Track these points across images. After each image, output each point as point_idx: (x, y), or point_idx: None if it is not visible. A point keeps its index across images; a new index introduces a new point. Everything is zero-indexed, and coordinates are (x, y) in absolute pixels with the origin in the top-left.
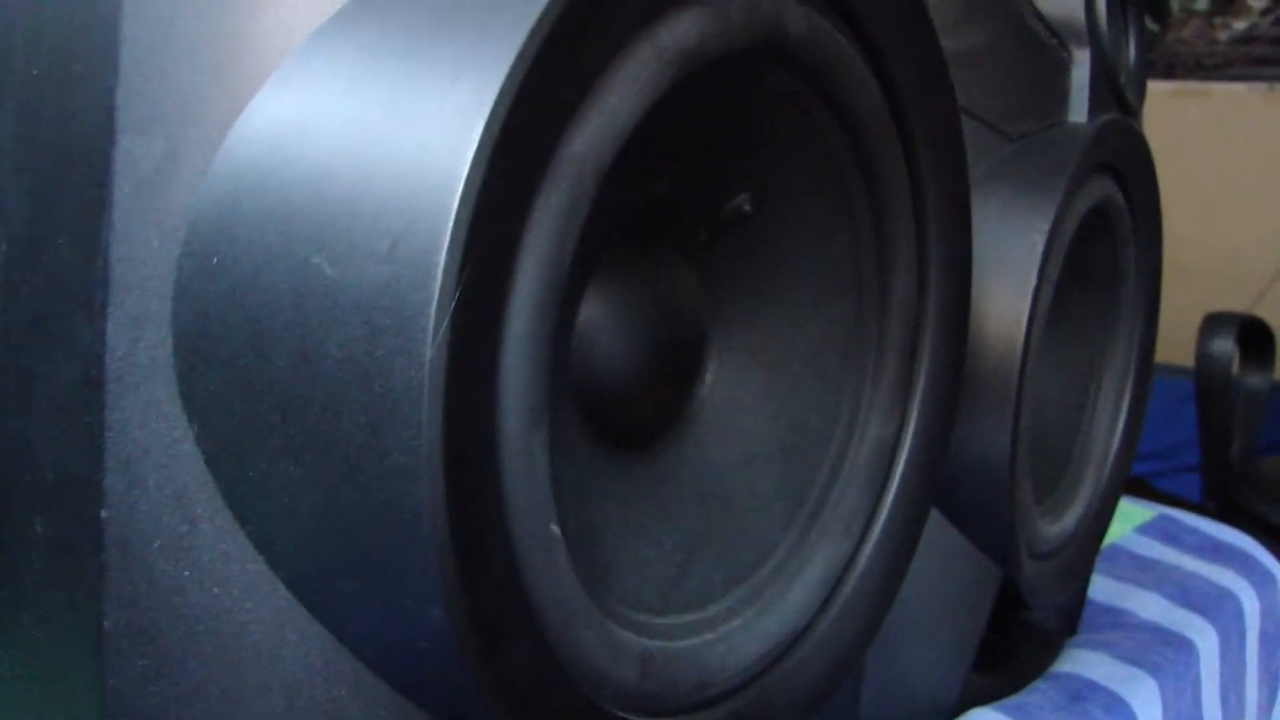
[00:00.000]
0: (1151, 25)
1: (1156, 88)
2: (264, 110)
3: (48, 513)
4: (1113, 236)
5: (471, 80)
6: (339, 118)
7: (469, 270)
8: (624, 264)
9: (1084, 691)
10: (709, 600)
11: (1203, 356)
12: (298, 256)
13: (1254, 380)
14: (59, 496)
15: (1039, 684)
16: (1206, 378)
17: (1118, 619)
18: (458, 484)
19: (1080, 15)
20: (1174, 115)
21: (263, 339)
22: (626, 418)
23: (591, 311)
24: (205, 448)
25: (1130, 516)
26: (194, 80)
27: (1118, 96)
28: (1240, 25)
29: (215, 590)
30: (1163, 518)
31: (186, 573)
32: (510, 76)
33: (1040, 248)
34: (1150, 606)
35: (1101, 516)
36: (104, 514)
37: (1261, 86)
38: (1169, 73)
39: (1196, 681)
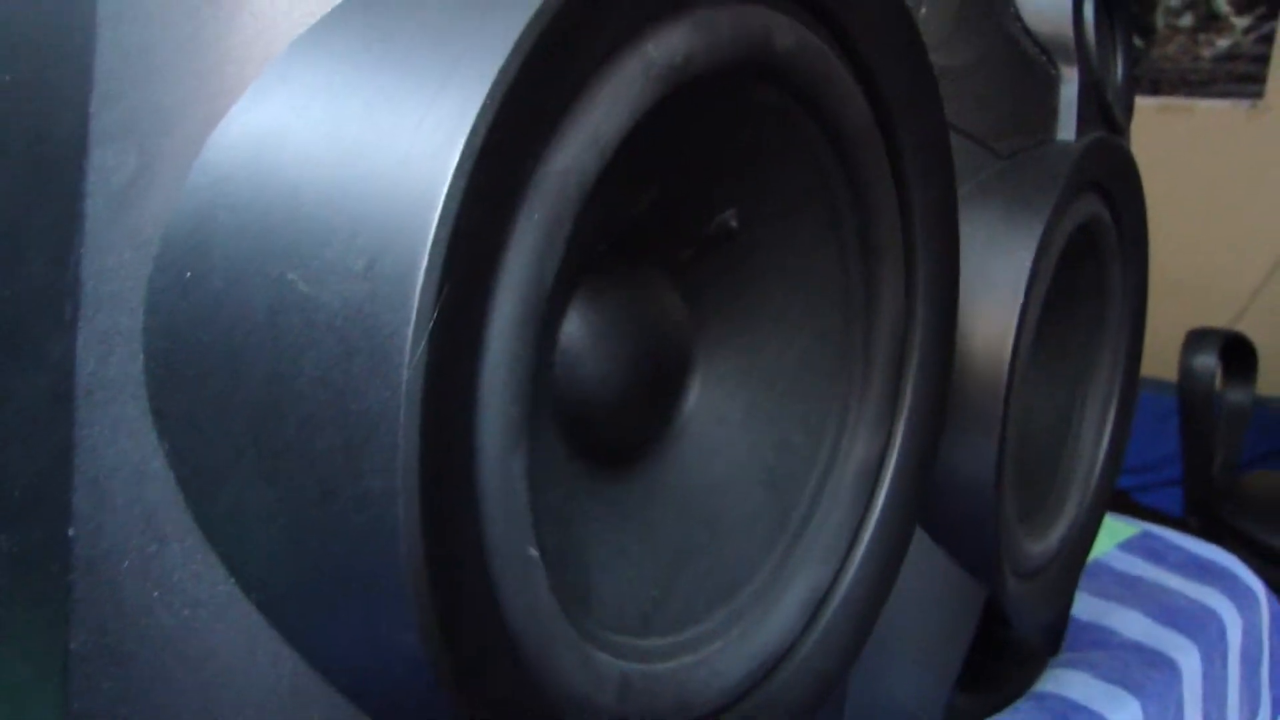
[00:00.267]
0: (1136, 41)
1: (1141, 104)
2: (241, 121)
3: (13, 530)
4: (1099, 254)
5: (453, 94)
6: (317, 130)
7: (447, 289)
8: (608, 281)
9: (1068, 712)
10: (691, 622)
11: (1186, 372)
12: (272, 273)
13: (1236, 396)
14: (25, 514)
15: (1022, 704)
16: (1189, 393)
17: (1101, 637)
18: (434, 508)
19: (1068, 33)
20: (1158, 131)
21: (236, 357)
22: (608, 437)
23: (574, 329)
24: (176, 467)
25: (1113, 533)
26: (170, 90)
27: (1105, 114)
28: (1224, 43)
29: (185, 612)
30: (1146, 534)
31: (155, 593)
32: (493, 91)
33: (1028, 266)
34: (1133, 625)
35: (1086, 534)
36: (71, 532)
37: (1244, 103)
38: (1153, 89)
39: (1179, 702)
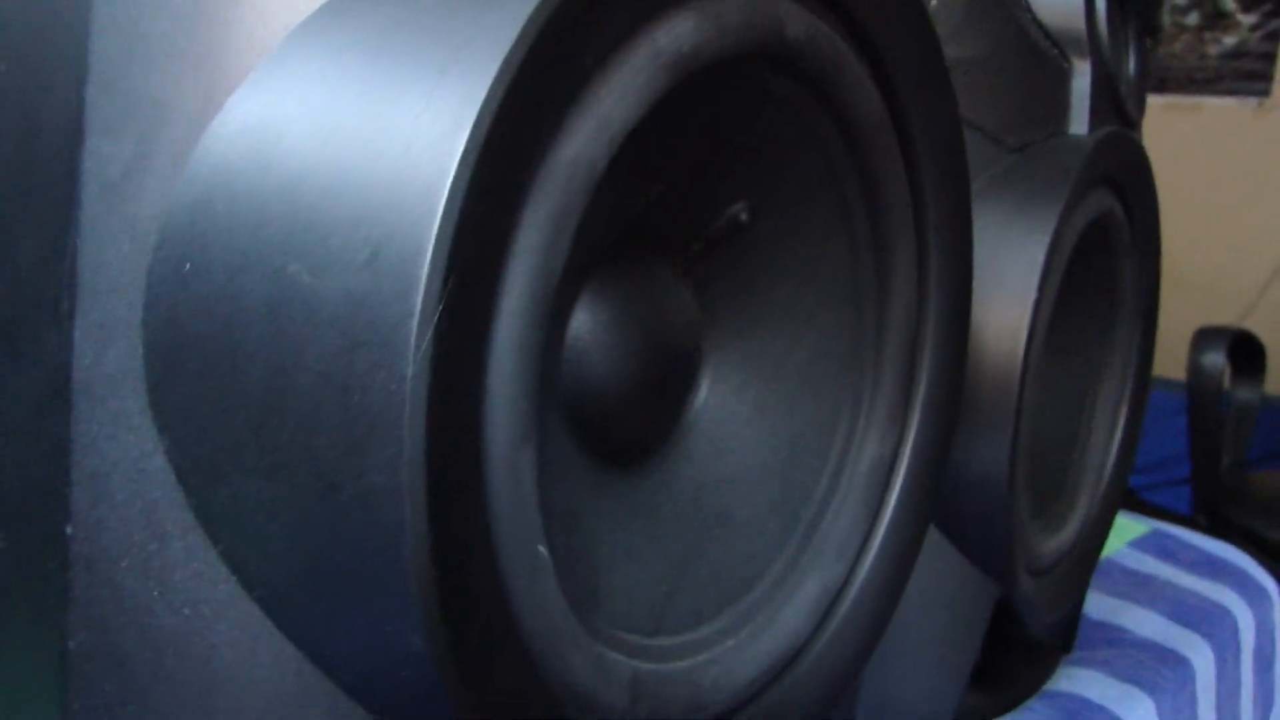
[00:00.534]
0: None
1: (1148, 101)
2: (240, 111)
3: (10, 528)
4: (1111, 249)
5: (458, 81)
6: (317, 119)
7: (453, 280)
8: (616, 274)
9: (1080, 710)
10: (702, 621)
11: (1194, 370)
12: (273, 264)
13: (1245, 394)
14: (22, 511)
15: (1035, 703)
16: (1197, 391)
17: (1113, 636)
18: (440, 505)
19: (1081, 26)
20: (1165, 129)
21: (236, 350)
22: (617, 433)
23: (582, 324)
24: (176, 462)
25: (1124, 531)
26: (167, 79)
27: (1118, 108)
28: (1230, 40)
29: (185, 611)
30: (1157, 533)
31: (155, 592)
32: (499, 78)
33: (1040, 261)
34: (1146, 623)
35: (1098, 531)
36: (70, 530)
37: (1251, 101)
38: (1160, 86)
39: (1193, 700)
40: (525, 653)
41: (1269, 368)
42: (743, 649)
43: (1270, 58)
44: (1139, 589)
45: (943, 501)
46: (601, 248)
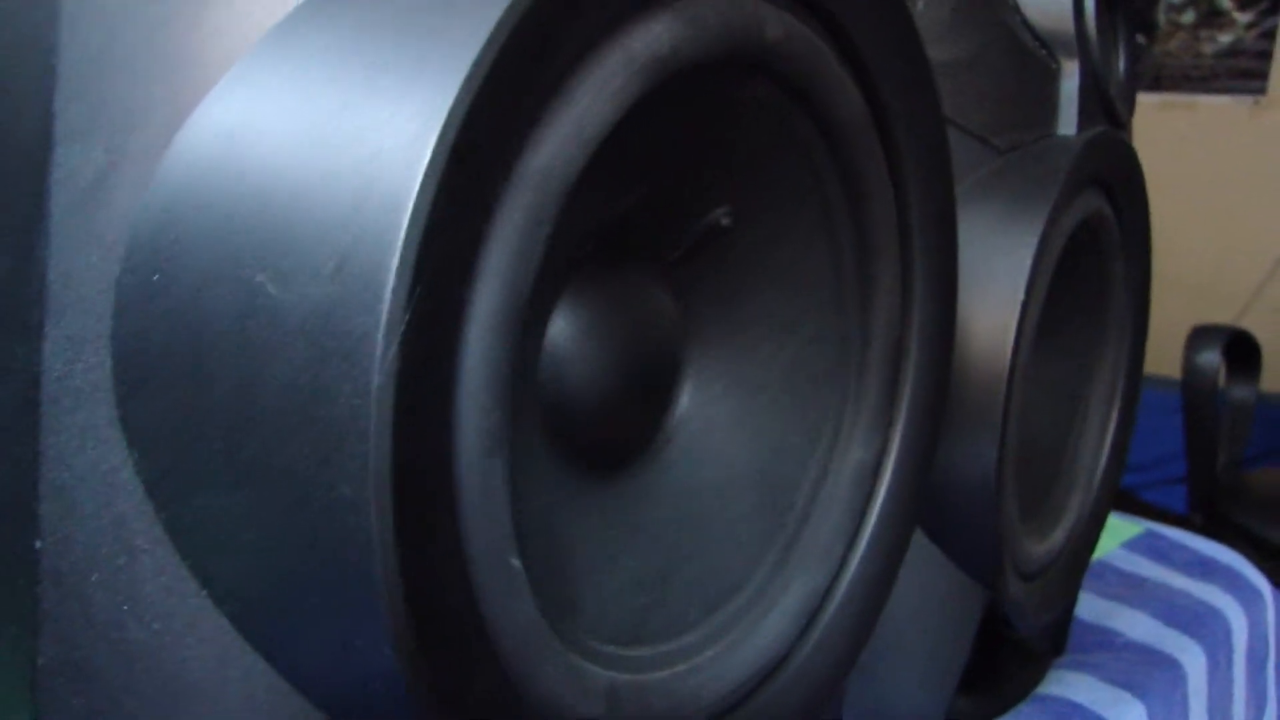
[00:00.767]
0: (1138, 37)
1: (1143, 100)
2: (209, 118)
3: None
4: (1102, 250)
5: (425, 88)
6: (286, 127)
7: (420, 291)
8: (594, 281)
9: (1071, 714)
10: (682, 630)
11: (1189, 369)
12: (241, 275)
13: (1240, 392)
14: None
15: (1025, 707)
16: (1193, 390)
17: (1105, 639)
18: (409, 517)
19: (1069, 26)
20: (1160, 127)
21: (204, 362)
22: (597, 441)
23: (559, 331)
24: (145, 476)
25: (1118, 532)
26: (136, 86)
27: (1107, 108)
28: (1225, 38)
29: (155, 625)
30: (1150, 533)
31: (125, 607)
32: (467, 84)
33: (1028, 263)
34: (1138, 626)
35: (1089, 534)
36: (39, 544)
37: (1247, 99)
38: (1155, 85)
39: (1184, 703)
40: (498, 665)
41: (1265, 366)
42: (724, 658)
43: (1266, 56)
44: (1131, 591)
45: (929, 504)
46: (580, 253)
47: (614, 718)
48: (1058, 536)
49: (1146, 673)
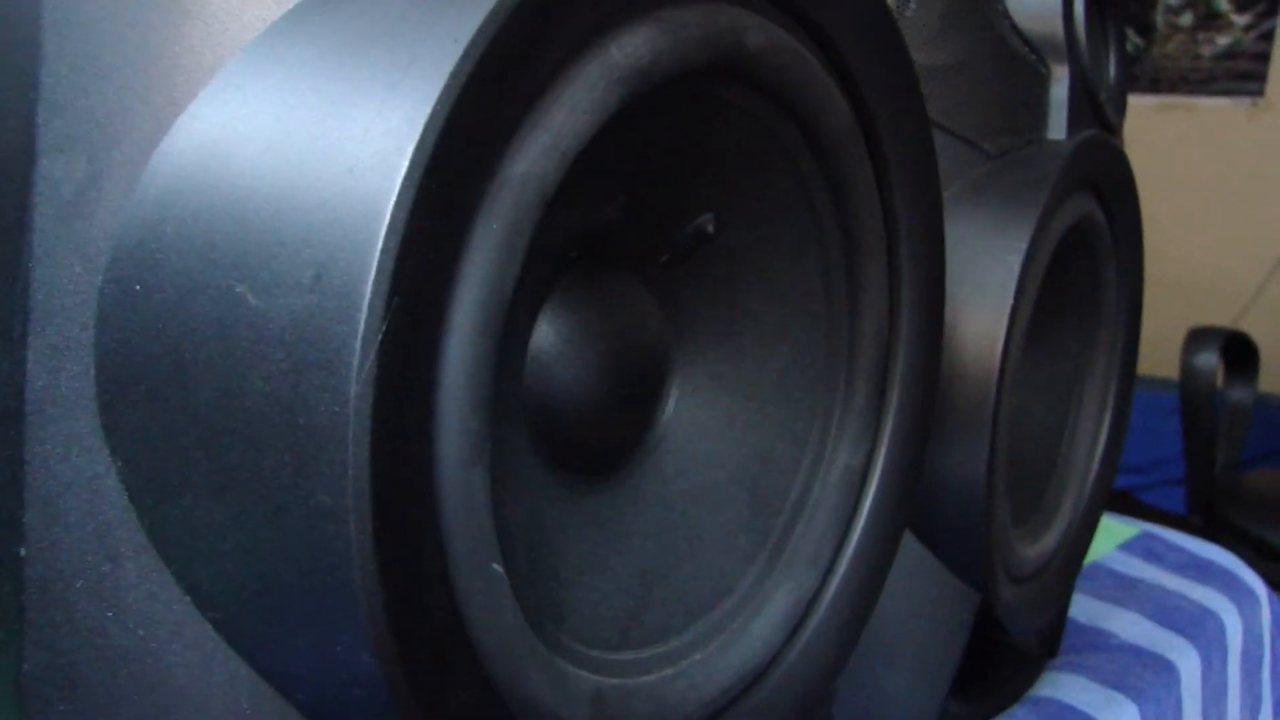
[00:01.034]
0: (1136, 40)
1: (1142, 102)
2: (189, 131)
3: None
4: (1093, 254)
5: (403, 100)
6: (265, 139)
7: (398, 301)
8: (581, 287)
9: (1063, 717)
10: (669, 635)
11: (1187, 370)
12: (222, 285)
13: (1238, 394)
14: None
15: (1018, 709)
16: (1191, 392)
17: (1099, 640)
18: (389, 524)
19: (1059, 31)
20: (1159, 130)
21: (186, 371)
22: (584, 447)
23: (545, 337)
24: (129, 483)
25: (1114, 534)
26: (118, 99)
27: (1097, 113)
28: (1224, 41)
29: (140, 632)
30: (1146, 535)
31: (110, 613)
32: (443, 95)
33: (1017, 267)
34: (1131, 627)
35: (1082, 537)
36: (23, 552)
37: (1245, 101)
38: (1154, 87)
39: (1178, 704)
40: (480, 670)
41: (1263, 368)
42: (711, 662)
43: (1264, 58)
44: (1126, 592)
45: (920, 508)
46: (564, 260)
47: None
48: (1050, 539)
49: (1140, 674)
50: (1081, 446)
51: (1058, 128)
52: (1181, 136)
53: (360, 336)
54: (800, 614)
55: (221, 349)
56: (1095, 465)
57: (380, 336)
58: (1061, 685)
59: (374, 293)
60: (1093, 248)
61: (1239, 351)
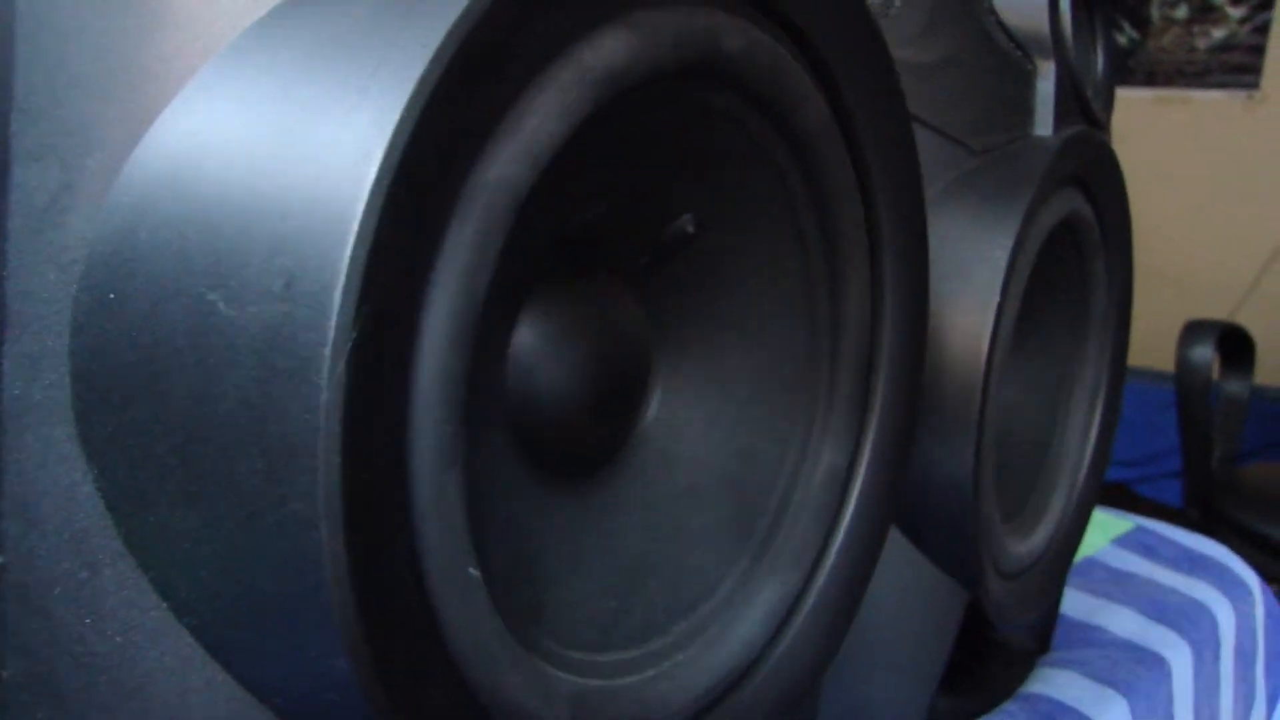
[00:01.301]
0: (1131, 33)
1: (1136, 96)
2: (163, 138)
3: None
4: (1081, 249)
5: (372, 105)
6: (237, 147)
7: (369, 308)
8: (560, 289)
9: (1054, 713)
10: (651, 635)
11: (1182, 364)
12: (194, 293)
13: (1234, 387)
14: None
15: (1008, 705)
16: (1186, 385)
17: (1090, 636)
18: (362, 530)
19: (1045, 28)
20: (1154, 123)
21: (160, 379)
22: (566, 448)
23: (526, 340)
24: (104, 491)
25: (1108, 528)
26: (91, 107)
27: (1084, 109)
28: (1219, 33)
29: (118, 639)
30: (1141, 530)
31: (87, 620)
32: (412, 102)
33: (1004, 263)
34: (1124, 622)
35: (1073, 532)
36: (1, 560)
37: (1240, 94)
38: (1149, 80)
39: (1169, 699)
40: (456, 674)
41: (1259, 360)
42: (694, 662)
43: (1259, 50)
44: (1118, 587)
45: (908, 506)
46: (543, 263)
47: None
48: (1040, 535)
49: (1131, 669)
50: (1072, 443)
51: (1044, 124)
52: (1177, 130)
53: (330, 344)
54: (784, 613)
55: (194, 357)
56: (1086, 462)
57: (350, 344)
58: (1052, 681)
59: (343, 301)
60: (1081, 243)
61: (1235, 344)
